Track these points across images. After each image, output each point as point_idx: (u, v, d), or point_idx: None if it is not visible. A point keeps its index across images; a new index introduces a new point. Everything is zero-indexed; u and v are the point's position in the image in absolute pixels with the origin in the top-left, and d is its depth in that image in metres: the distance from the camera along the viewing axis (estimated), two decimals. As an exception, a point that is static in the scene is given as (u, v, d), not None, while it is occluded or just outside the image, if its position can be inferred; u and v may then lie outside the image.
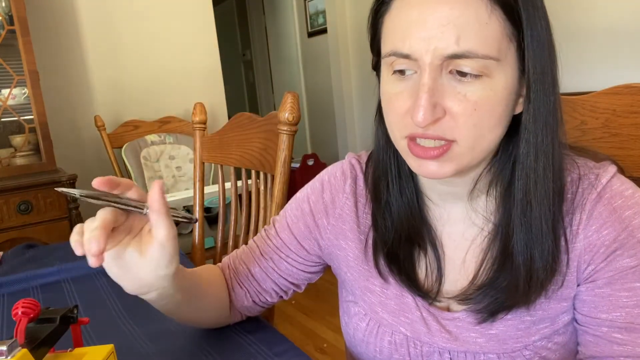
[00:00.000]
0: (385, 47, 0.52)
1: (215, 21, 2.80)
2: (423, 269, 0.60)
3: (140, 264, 0.51)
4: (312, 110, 4.28)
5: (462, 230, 0.60)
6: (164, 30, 2.61)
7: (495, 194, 0.56)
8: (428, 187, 0.61)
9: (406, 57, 0.48)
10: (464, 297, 0.57)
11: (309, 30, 4.06)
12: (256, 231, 1.29)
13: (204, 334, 0.70)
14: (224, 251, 1.47)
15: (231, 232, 1.43)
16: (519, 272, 0.53)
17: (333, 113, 3.77)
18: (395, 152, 0.60)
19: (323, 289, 2.62)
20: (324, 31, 3.72)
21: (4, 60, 1.97)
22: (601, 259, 0.52)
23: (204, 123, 1.36)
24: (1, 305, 0.87)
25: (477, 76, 0.47)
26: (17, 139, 2.08)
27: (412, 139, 0.51)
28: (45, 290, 0.92)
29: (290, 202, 0.73)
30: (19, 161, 2.08)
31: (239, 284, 0.71)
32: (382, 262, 0.62)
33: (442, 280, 0.60)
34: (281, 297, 0.74)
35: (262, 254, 0.71)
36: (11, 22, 1.95)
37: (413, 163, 0.53)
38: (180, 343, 0.69)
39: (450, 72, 0.47)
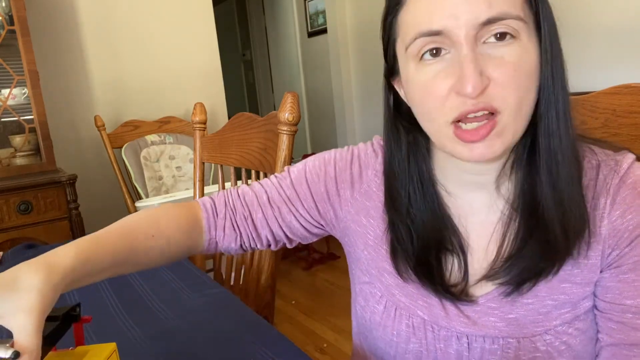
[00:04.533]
0: (409, 35, 0.52)
1: (215, 21, 2.80)
2: (449, 270, 0.60)
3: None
4: (312, 110, 4.28)
5: (484, 218, 0.59)
6: (164, 31, 2.61)
7: (518, 177, 0.56)
8: (448, 181, 0.60)
9: (436, 34, 0.49)
10: (492, 273, 0.57)
11: (309, 30, 4.06)
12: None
13: (204, 334, 0.70)
14: (224, 251, 1.47)
15: (231, 232, 1.42)
16: (551, 229, 0.52)
17: (333, 113, 3.77)
18: (415, 159, 0.60)
19: (323, 289, 2.62)
20: (324, 31, 3.72)
21: (4, 60, 1.97)
22: (625, 244, 0.52)
23: (204, 123, 1.36)
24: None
25: (511, 37, 0.49)
26: (17, 139, 2.08)
27: (457, 123, 0.51)
28: (45, 290, 0.92)
29: (311, 158, 0.71)
30: (19, 161, 2.08)
31: (233, 225, 0.68)
32: (402, 267, 0.61)
33: (468, 279, 0.59)
34: (269, 246, 0.71)
35: (269, 201, 0.69)
36: (11, 22, 1.95)
37: (461, 149, 0.52)
38: (180, 343, 0.69)
39: (484, 41, 0.49)
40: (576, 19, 2.05)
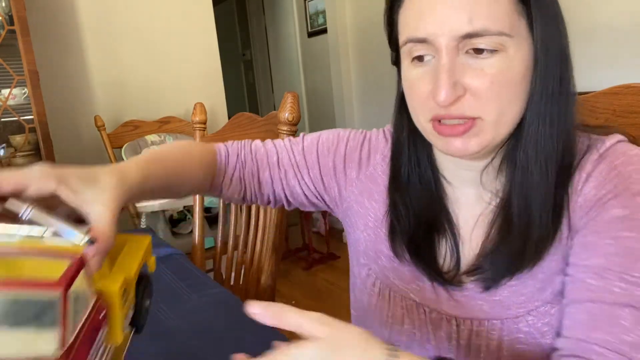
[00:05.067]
0: (402, 37, 0.54)
1: (215, 21, 2.80)
2: (442, 256, 0.62)
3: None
4: (312, 110, 4.28)
5: (473, 211, 0.61)
6: (164, 31, 2.61)
7: (507, 171, 0.58)
8: (448, 172, 0.62)
9: (422, 41, 0.51)
10: (473, 268, 0.58)
11: (309, 30, 4.06)
12: (256, 231, 1.28)
13: (204, 334, 0.70)
14: (224, 251, 1.47)
15: (231, 232, 1.43)
16: (518, 237, 0.54)
17: (333, 113, 3.77)
18: (415, 143, 0.62)
19: (323, 289, 2.62)
20: (324, 31, 3.72)
21: (4, 60, 1.97)
22: (595, 212, 0.52)
23: (204, 123, 1.36)
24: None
25: (493, 51, 0.49)
26: (17, 139, 2.08)
27: (436, 120, 0.53)
28: (45, 290, 0.92)
29: (327, 131, 0.73)
30: (19, 161, 2.07)
31: (240, 177, 0.70)
32: (399, 247, 0.63)
33: (460, 265, 0.60)
34: (269, 203, 0.74)
35: (278, 163, 0.71)
36: (11, 22, 1.95)
37: (439, 142, 0.54)
38: (180, 343, 0.69)
39: (467, 51, 0.50)
40: (576, 19, 2.05)
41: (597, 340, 0.48)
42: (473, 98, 0.50)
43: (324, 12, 3.70)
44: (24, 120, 2.05)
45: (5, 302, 0.28)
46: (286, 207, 0.75)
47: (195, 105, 1.37)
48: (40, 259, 0.36)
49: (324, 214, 3.19)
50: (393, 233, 0.63)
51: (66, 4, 2.36)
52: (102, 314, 0.37)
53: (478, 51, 0.49)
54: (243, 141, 0.74)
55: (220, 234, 1.36)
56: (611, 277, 0.49)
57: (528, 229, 0.54)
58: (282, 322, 0.41)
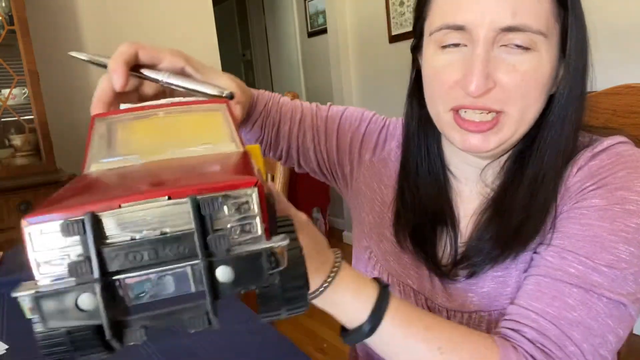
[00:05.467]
0: (435, 23, 0.54)
1: (215, 21, 2.80)
2: (442, 247, 0.62)
3: None
4: (312, 110, 4.28)
5: (473, 204, 0.62)
6: (164, 30, 2.60)
7: (511, 168, 0.58)
8: (453, 165, 0.63)
9: (459, 28, 0.50)
10: (460, 257, 0.60)
11: (309, 30, 4.06)
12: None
13: (204, 334, 0.70)
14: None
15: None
16: (503, 226, 0.55)
17: (333, 113, 3.78)
18: (426, 133, 0.62)
19: (323, 289, 2.61)
20: (324, 31, 3.72)
21: (4, 60, 1.97)
22: (575, 200, 0.53)
23: (204, 123, 1.36)
24: (1, 305, 0.87)
25: (526, 49, 0.50)
26: (17, 139, 2.07)
27: (457, 111, 0.53)
28: (45, 290, 0.92)
29: (353, 108, 0.74)
30: (19, 161, 2.07)
31: (262, 125, 0.70)
32: (402, 234, 0.63)
33: (457, 258, 0.61)
34: (280, 159, 0.74)
35: (300, 121, 0.71)
36: (11, 22, 1.95)
37: (456, 136, 0.54)
38: (180, 343, 0.69)
39: (501, 45, 0.50)
40: (576, 19, 2.04)
41: (535, 309, 0.49)
42: (501, 92, 0.50)
43: (324, 12, 3.70)
44: (24, 120, 2.05)
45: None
46: (296, 168, 0.75)
47: (195, 105, 1.37)
48: (193, 114, 0.37)
49: (324, 214, 3.19)
50: (398, 220, 0.64)
51: (66, 4, 2.36)
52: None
53: (512, 46, 0.50)
54: (273, 93, 0.74)
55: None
56: (570, 258, 0.50)
57: (516, 220, 0.54)
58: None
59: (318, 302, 0.46)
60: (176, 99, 0.38)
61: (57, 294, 0.25)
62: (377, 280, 0.49)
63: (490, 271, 0.57)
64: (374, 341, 0.47)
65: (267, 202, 0.28)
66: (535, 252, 0.54)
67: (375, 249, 0.67)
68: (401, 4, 2.84)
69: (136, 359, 0.65)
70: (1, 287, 0.92)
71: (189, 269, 0.26)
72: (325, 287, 0.45)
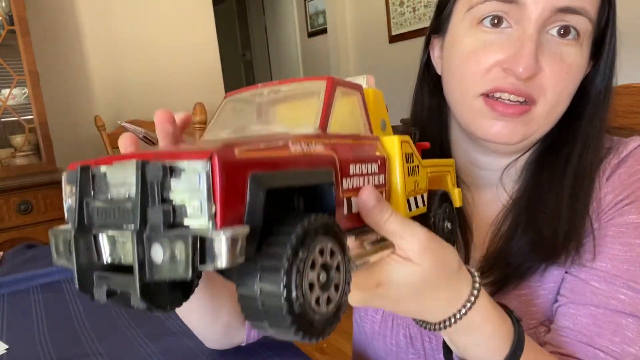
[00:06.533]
0: None
1: (215, 21, 2.80)
2: None
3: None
4: (312, 110, 4.28)
5: (490, 212, 0.58)
6: (164, 30, 2.61)
7: (531, 172, 0.55)
8: (466, 175, 0.59)
9: (511, 2, 0.47)
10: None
11: (309, 30, 4.06)
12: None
13: (204, 334, 0.70)
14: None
15: (231, 232, 1.42)
16: (541, 238, 0.51)
17: (333, 113, 3.78)
18: (441, 131, 0.58)
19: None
20: (324, 31, 3.72)
21: (4, 60, 1.97)
22: (610, 215, 0.50)
23: (204, 123, 1.36)
24: (1, 305, 0.87)
25: (575, 39, 0.47)
26: (17, 139, 2.07)
27: (488, 96, 0.49)
28: (45, 290, 0.92)
29: None
30: (19, 161, 2.07)
31: None
32: None
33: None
34: None
35: None
36: (11, 22, 1.95)
37: (484, 123, 0.50)
38: (180, 343, 0.69)
39: (548, 31, 0.47)
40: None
41: (602, 347, 0.46)
42: (544, 80, 0.47)
43: (324, 12, 3.70)
44: (24, 120, 2.05)
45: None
46: None
47: (195, 105, 1.37)
48: (295, 97, 0.37)
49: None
50: None
51: (66, 4, 2.36)
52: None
53: (565, 33, 0.47)
54: None
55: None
56: (617, 284, 0.47)
57: (548, 229, 0.50)
58: (379, 225, 0.34)
59: (447, 332, 0.40)
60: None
61: (55, 235, 0.28)
62: (506, 308, 0.43)
63: (514, 290, 0.53)
64: None
65: (255, 187, 0.23)
66: (567, 272, 0.51)
67: None
68: (401, 4, 2.84)
69: (136, 359, 0.65)
70: (1, 287, 0.92)
71: (127, 237, 0.24)
72: (461, 316, 0.39)
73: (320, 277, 0.26)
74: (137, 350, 0.67)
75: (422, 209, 0.41)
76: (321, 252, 0.26)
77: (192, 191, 0.22)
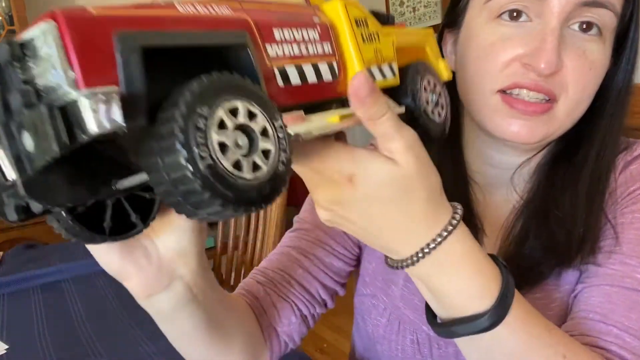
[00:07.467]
0: None
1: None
2: None
3: (161, 237, 0.39)
4: (312, 110, 4.28)
5: (501, 212, 0.56)
6: (164, 30, 2.61)
7: (545, 172, 0.53)
8: (477, 174, 0.57)
9: None
10: None
11: (309, 30, 4.07)
12: (256, 231, 1.28)
13: (204, 334, 0.70)
14: (224, 251, 1.47)
15: (231, 232, 1.43)
16: (557, 240, 0.49)
17: (333, 113, 3.78)
18: (453, 129, 0.54)
19: (323, 289, 2.61)
20: (324, 31, 3.72)
21: (4, 60, 1.97)
22: (623, 205, 0.49)
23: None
24: (1, 305, 0.87)
25: (597, 33, 0.46)
26: (17, 139, 2.07)
27: (505, 92, 0.47)
28: (45, 290, 0.92)
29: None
30: (19, 161, 2.07)
31: (282, 296, 0.59)
32: None
33: None
34: (325, 304, 0.63)
35: (302, 254, 0.61)
36: (11, 22, 1.95)
37: (502, 122, 0.48)
38: (180, 343, 0.69)
39: (570, 26, 0.45)
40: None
41: (616, 323, 0.44)
42: (567, 77, 0.45)
43: (324, 12, 3.70)
44: (24, 120, 2.05)
45: None
46: (340, 293, 0.64)
47: (195, 105, 1.37)
48: None
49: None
50: None
51: (66, 4, 2.36)
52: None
53: (587, 27, 0.45)
54: (250, 275, 0.62)
55: (220, 234, 1.37)
56: (634, 264, 0.45)
57: (563, 231, 0.49)
58: (372, 121, 0.31)
59: (421, 268, 0.35)
60: None
61: None
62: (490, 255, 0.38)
63: (528, 294, 0.49)
64: (484, 338, 0.36)
65: (124, 46, 0.21)
66: (583, 264, 0.49)
67: (381, 296, 0.60)
68: (401, 4, 2.84)
69: (136, 359, 0.65)
70: (1, 287, 0.92)
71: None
72: (436, 246, 0.34)
73: (239, 140, 0.24)
74: (137, 350, 0.67)
75: (392, 80, 0.36)
76: (233, 113, 0.23)
77: (46, 61, 0.20)
